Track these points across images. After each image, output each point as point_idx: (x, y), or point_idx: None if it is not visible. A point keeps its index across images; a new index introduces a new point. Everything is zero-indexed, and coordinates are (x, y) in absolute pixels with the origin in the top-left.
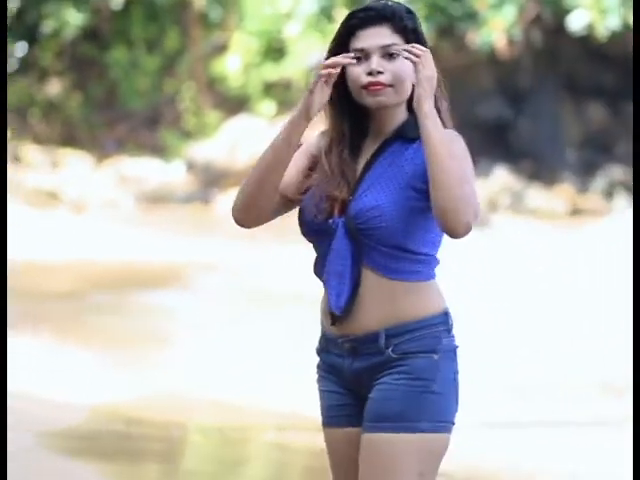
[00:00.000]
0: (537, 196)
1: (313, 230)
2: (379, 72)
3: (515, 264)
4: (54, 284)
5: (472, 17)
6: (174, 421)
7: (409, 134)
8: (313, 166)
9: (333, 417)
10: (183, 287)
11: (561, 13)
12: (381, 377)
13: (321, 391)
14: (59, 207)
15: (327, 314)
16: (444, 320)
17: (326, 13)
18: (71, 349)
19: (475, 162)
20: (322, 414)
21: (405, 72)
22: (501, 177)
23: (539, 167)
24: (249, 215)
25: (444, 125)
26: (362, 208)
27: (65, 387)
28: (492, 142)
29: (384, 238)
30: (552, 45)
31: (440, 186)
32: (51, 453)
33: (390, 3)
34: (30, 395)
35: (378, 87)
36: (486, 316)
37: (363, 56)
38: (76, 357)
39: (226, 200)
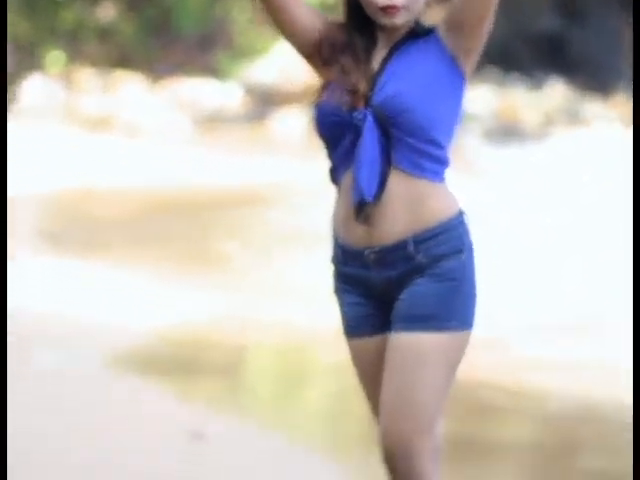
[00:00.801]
0: (592, 107)
1: (335, 124)
2: None
3: (569, 177)
4: (114, 210)
5: None
6: (238, 342)
7: (419, 32)
8: (318, 32)
9: (358, 327)
10: (249, 207)
11: None
12: (411, 281)
13: (341, 304)
14: (114, 131)
15: (345, 220)
16: (463, 219)
17: None
18: (136, 273)
19: (529, 75)
20: (345, 325)
21: None
22: (556, 90)
23: (594, 78)
24: None
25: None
26: (387, 96)
27: (132, 310)
28: (546, 54)
29: (411, 124)
30: None
31: None
32: (119, 373)
33: None
34: (96, 318)
35: (394, 10)
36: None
37: None
38: (141, 281)
39: (282, 118)
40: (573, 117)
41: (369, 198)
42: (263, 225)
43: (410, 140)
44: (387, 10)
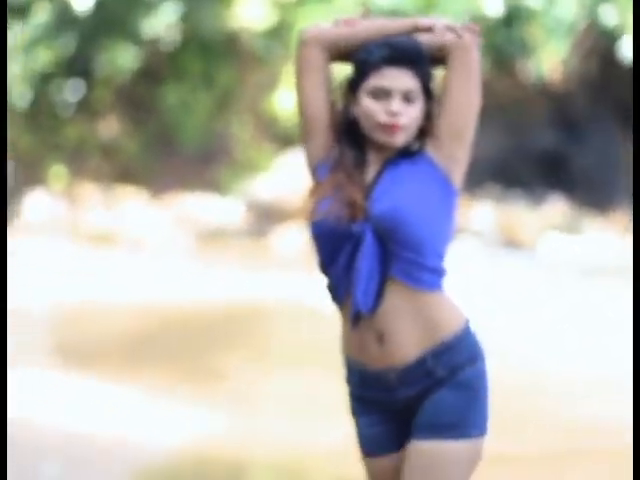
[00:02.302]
0: (592, 223)
1: (335, 236)
2: (398, 114)
3: (568, 291)
4: (118, 324)
5: (524, 49)
6: (241, 459)
7: (411, 150)
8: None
9: (378, 447)
10: (251, 322)
11: (614, 43)
12: (430, 393)
13: (360, 425)
14: (117, 246)
15: (358, 343)
16: (470, 326)
17: None
18: (138, 389)
19: (530, 191)
20: (363, 444)
21: (418, 118)
22: (556, 205)
23: (593, 195)
24: (321, 44)
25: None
26: (384, 210)
27: (134, 427)
28: (547, 171)
29: (407, 239)
30: (605, 74)
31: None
32: None
33: (417, 43)
34: (97, 434)
35: (395, 129)
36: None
37: (384, 94)
38: (144, 397)
39: (283, 234)
40: (573, 232)
41: (365, 310)
42: (265, 340)
43: (407, 253)
44: (388, 128)
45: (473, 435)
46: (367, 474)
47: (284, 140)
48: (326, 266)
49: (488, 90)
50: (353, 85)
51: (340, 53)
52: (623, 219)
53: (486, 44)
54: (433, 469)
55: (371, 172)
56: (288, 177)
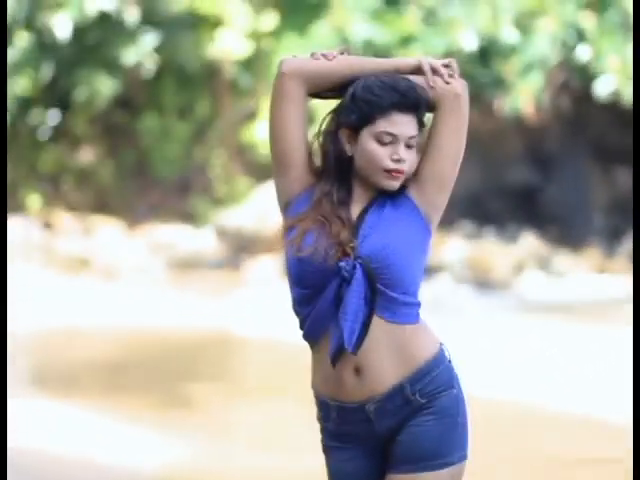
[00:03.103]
0: (564, 261)
1: (321, 273)
2: (403, 160)
3: (540, 328)
4: (91, 350)
5: (500, 83)
6: None
7: (392, 191)
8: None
9: None
10: (224, 349)
11: (588, 79)
12: (410, 421)
13: (335, 461)
14: (91, 273)
15: (333, 379)
16: (445, 353)
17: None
18: (114, 416)
19: (503, 227)
20: None
21: (415, 164)
22: (528, 242)
23: (566, 232)
24: (300, 77)
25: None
26: (374, 249)
27: (115, 454)
28: (520, 207)
29: (395, 278)
30: (580, 111)
31: None
32: None
33: (422, 88)
34: (80, 461)
35: (399, 174)
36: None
37: (389, 139)
38: (120, 424)
39: (256, 266)
40: (544, 267)
41: (351, 350)
42: (235, 370)
43: (392, 292)
44: (392, 174)
45: (454, 462)
46: None
47: (260, 171)
48: (303, 302)
49: None
50: (354, 124)
51: (316, 87)
52: (597, 256)
53: (461, 77)
54: None
55: (355, 209)
56: (263, 209)
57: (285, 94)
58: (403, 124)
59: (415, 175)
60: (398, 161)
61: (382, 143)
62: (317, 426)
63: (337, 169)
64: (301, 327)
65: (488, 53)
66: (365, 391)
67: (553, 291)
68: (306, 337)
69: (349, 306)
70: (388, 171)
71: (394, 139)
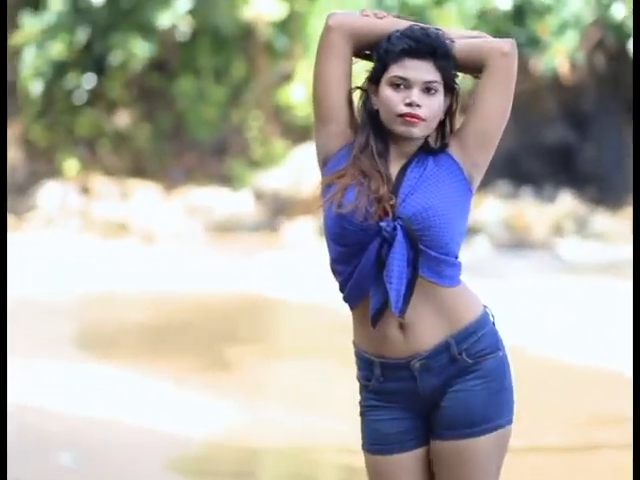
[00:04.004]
0: (602, 220)
1: (362, 233)
2: (417, 105)
3: (581, 289)
4: (131, 315)
5: (535, 43)
6: (256, 448)
7: (433, 148)
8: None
9: (398, 444)
10: (257, 316)
11: (623, 37)
12: (455, 384)
13: (375, 421)
14: (129, 237)
15: (377, 337)
16: (489, 315)
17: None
18: (156, 379)
19: (540, 187)
20: (376, 444)
21: (439, 110)
22: (566, 202)
23: (604, 191)
24: (347, 32)
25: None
26: (415, 211)
27: (161, 418)
28: (556, 167)
29: (436, 240)
30: (615, 69)
31: None
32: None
33: (439, 35)
34: (126, 425)
35: (414, 119)
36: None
37: (404, 85)
38: (162, 387)
39: (293, 228)
40: (582, 228)
41: (398, 313)
42: (274, 331)
43: (435, 253)
44: (406, 118)
45: (503, 425)
46: (374, 476)
47: (297, 133)
48: (342, 260)
49: None
50: (375, 76)
51: (363, 44)
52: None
53: (496, 37)
54: (468, 465)
55: (394, 166)
56: (300, 171)
57: (331, 48)
58: (416, 68)
59: (458, 133)
60: (411, 105)
61: (395, 88)
62: (355, 386)
63: (371, 123)
64: (341, 289)
65: (523, 12)
66: (410, 347)
67: (592, 251)
68: (347, 299)
69: (393, 269)
70: (402, 116)
71: (407, 83)
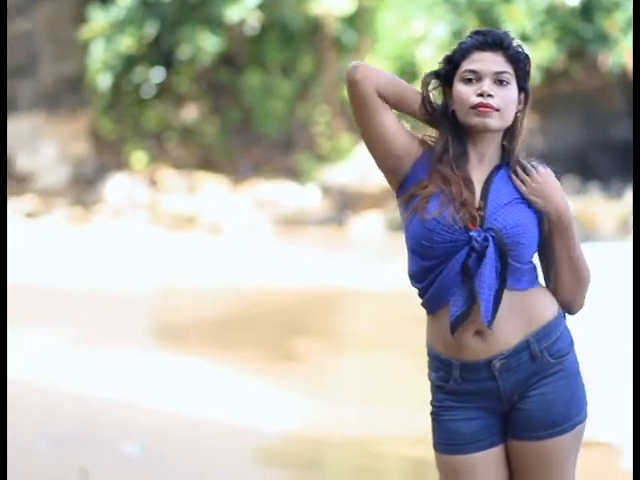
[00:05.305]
0: None
1: (451, 241)
2: (489, 95)
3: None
4: (199, 306)
5: (603, 39)
6: (328, 440)
7: (513, 164)
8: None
9: (473, 444)
10: (328, 307)
11: None
12: (537, 384)
13: (450, 420)
14: (197, 230)
15: (455, 339)
16: (564, 314)
17: (457, 36)
18: (229, 371)
19: (607, 183)
20: (451, 443)
21: (513, 100)
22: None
23: None
24: (367, 77)
25: (515, 153)
26: (507, 224)
27: (234, 407)
28: (624, 163)
29: (522, 255)
30: None
31: (571, 288)
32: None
33: (510, 35)
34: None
35: (487, 109)
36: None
37: (475, 78)
38: (234, 379)
39: (359, 222)
40: None
41: (487, 323)
42: (342, 325)
43: (520, 265)
44: (479, 109)
45: (582, 420)
46: (447, 476)
47: None
48: (423, 274)
49: (566, 80)
50: (448, 77)
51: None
52: None
53: (564, 33)
54: (551, 465)
55: (477, 171)
56: (366, 165)
57: (366, 100)
58: (485, 60)
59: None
60: (482, 95)
61: (467, 83)
62: (425, 378)
63: (449, 127)
64: (421, 295)
65: (591, 8)
66: (490, 349)
67: None
68: (426, 305)
69: (484, 280)
70: (475, 107)
71: (477, 76)
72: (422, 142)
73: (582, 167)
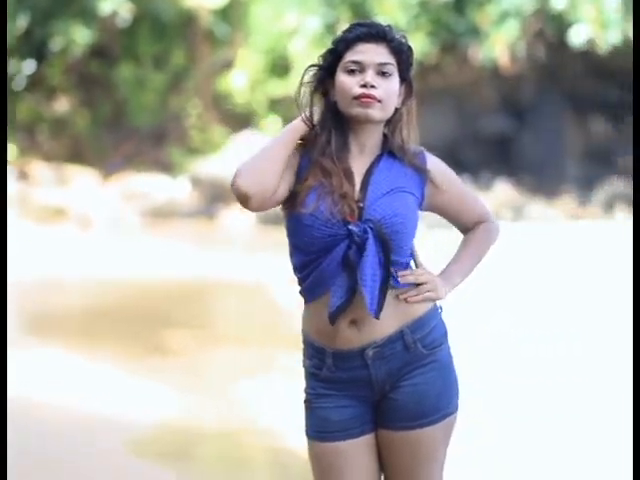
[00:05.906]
0: (538, 209)
1: (330, 235)
2: (372, 86)
3: (517, 271)
4: (68, 299)
5: (475, 32)
6: (194, 432)
7: (396, 153)
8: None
9: (344, 431)
10: (196, 300)
11: (563, 28)
12: (409, 375)
13: (321, 408)
14: (66, 223)
15: (330, 328)
16: (439, 308)
17: (330, 30)
18: (95, 364)
19: (477, 176)
20: (322, 431)
21: (395, 91)
22: (503, 191)
23: (541, 181)
24: (258, 191)
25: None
26: (386, 215)
27: (101, 398)
28: (494, 156)
29: (399, 245)
30: (555, 60)
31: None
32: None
33: (393, 27)
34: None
35: (370, 100)
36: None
37: (358, 69)
38: (102, 371)
39: (231, 215)
40: (518, 215)
41: (373, 314)
42: (210, 317)
43: (398, 258)
44: (362, 99)
45: (453, 411)
46: (318, 462)
47: (236, 121)
48: (305, 266)
49: (438, 73)
50: (330, 67)
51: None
52: (570, 204)
53: (437, 26)
54: (420, 455)
55: (358, 162)
56: (238, 158)
57: (265, 207)
58: (369, 51)
59: (444, 197)
60: (365, 86)
61: (350, 73)
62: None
63: (330, 119)
64: (300, 284)
65: (463, 1)
66: (364, 339)
67: (527, 239)
68: (304, 293)
69: (366, 272)
70: (357, 98)
71: (361, 67)
72: (295, 150)
73: (452, 160)
